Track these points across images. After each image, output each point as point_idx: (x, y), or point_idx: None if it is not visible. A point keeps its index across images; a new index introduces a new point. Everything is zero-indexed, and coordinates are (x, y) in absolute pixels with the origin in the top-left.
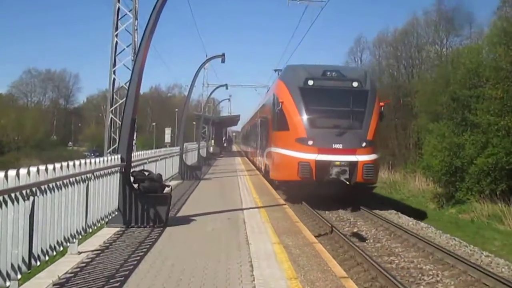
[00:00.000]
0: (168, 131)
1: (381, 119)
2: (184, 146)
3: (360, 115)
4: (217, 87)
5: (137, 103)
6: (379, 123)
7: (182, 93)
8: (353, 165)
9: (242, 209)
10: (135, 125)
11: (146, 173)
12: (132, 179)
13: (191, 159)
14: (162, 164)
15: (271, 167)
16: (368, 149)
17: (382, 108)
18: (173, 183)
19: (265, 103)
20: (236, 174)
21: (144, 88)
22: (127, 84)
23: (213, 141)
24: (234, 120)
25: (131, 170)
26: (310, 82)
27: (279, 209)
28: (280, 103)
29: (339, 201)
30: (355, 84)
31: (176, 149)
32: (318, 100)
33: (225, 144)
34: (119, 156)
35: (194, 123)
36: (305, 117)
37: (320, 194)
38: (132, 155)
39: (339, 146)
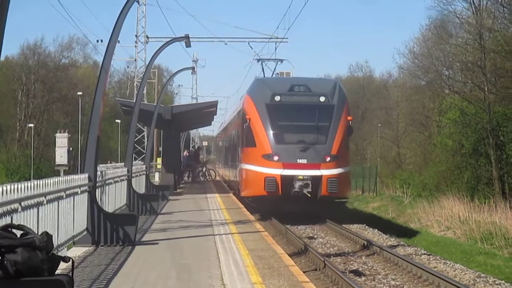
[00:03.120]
0: (62, 139)
1: (350, 134)
2: (100, 173)
3: (325, 130)
4: (168, 43)
5: None
6: (347, 137)
7: (89, 57)
8: (317, 179)
9: None
10: None
11: (18, 234)
12: None
13: (116, 199)
14: (52, 211)
15: (241, 184)
16: (332, 163)
17: (351, 122)
18: (75, 252)
19: (235, 117)
20: (212, 234)
21: (9, 48)
22: None
23: (159, 160)
24: (205, 114)
25: None
26: (277, 98)
27: None
28: (247, 120)
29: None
30: (322, 98)
31: (81, 178)
32: (284, 116)
33: (184, 167)
34: None
35: (119, 121)
36: (270, 133)
37: (288, 208)
38: None
39: (304, 161)
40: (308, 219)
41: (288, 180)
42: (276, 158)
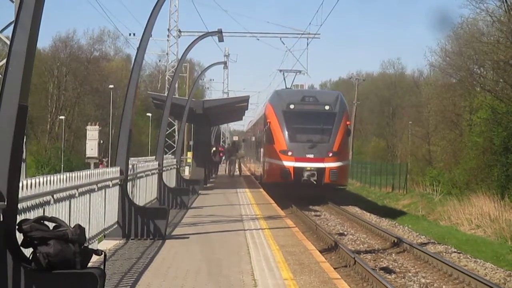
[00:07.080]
0: (93, 132)
1: (348, 135)
2: (131, 166)
3: (328, 132)
4: (201, 37)
5: (29, 73)
6: (346, 138)
7: (121, 51)
8: (321, 170)
9: None
10: (26, 121)
11: (51, 226)
12: (20, 237)
13: (146, 193)
14: (84, 204)
15: (263, 173)
16: (334, 158)
17: (349, 126)
18: (105, 245)
19: (259, 120)
20: (243, 229)
21: (40, 40)
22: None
23: (190, 154)
24: (236, 109)
25: (18, 220)
26: (291, 106)
27: None
28: (268, 123)
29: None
30: (326, 107)
31: (112, 171)
32: (296, 120)
33: (215, 158)
34: None
35: (150, 114)
36: (286, 133)
37: (299, 192)
38: (20, 184)
39: (311, 156)
40: (337, 214)
41: (299, 171)
42: (290, 153)
